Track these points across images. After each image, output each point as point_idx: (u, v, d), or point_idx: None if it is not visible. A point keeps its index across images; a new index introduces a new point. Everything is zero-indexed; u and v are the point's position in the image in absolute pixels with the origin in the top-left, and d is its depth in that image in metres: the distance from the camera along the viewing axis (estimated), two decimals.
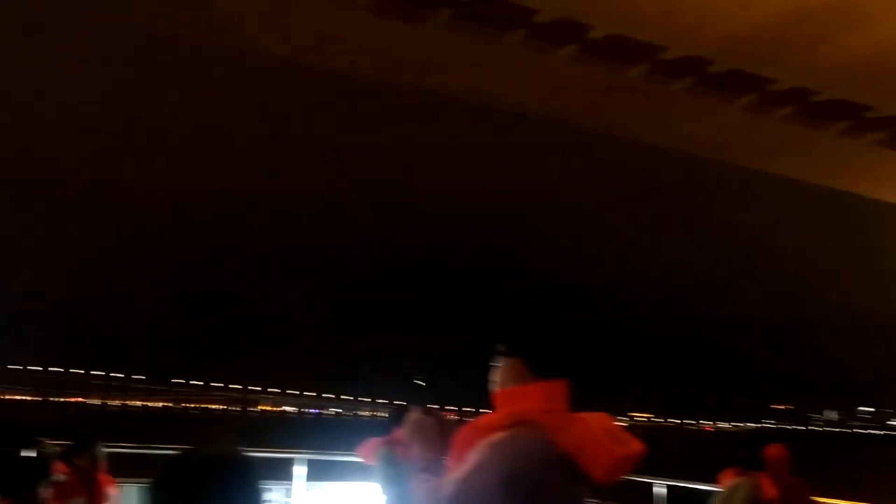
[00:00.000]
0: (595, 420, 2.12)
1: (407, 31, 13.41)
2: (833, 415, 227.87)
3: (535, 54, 14.03)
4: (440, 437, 2.38)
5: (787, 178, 23.14)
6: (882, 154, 19.15)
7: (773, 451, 4.94)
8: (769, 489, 4.79)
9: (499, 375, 2.24)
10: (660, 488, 9.74)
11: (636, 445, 2.13)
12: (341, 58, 13.21)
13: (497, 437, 2.05)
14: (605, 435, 2.07)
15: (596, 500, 10.28)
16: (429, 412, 2.93)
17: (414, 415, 2.72)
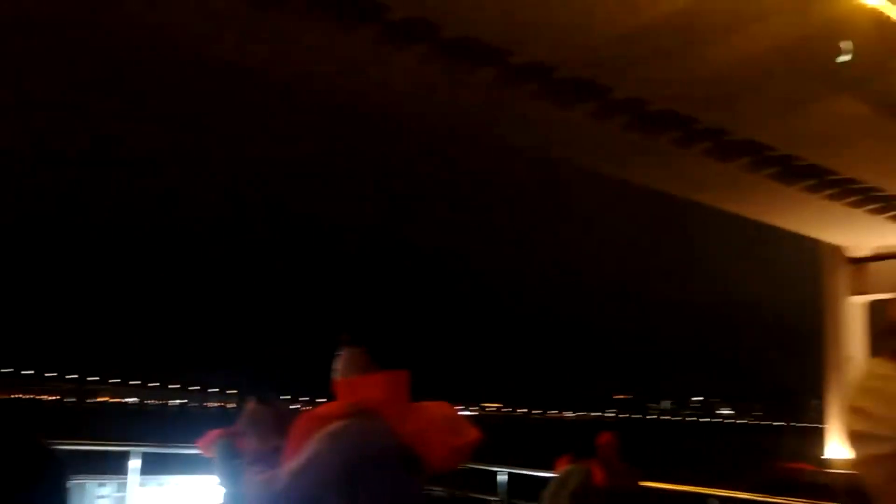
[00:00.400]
0: (434, 409, 2.14)
1: (261, 18, 13.31)
2: (668, 404, 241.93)
3: (386, 50, 14.28)
4: (277, 428, 2.33)
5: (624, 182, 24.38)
6: (707, 163, 20.73)
7: (604, 438, 5.22)
8: (599, 475, 5.04)
9: (341, 365, 2.22)
10: (502, 476, 10.13)
11: (473, 433, 2.14)
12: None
13: (335, 426, 2.02)
14: (443, 424, 2.10)
15: (441, 488, 10.60)
16: (265, 402, 2.97)
17: (249, 405, 2.74)
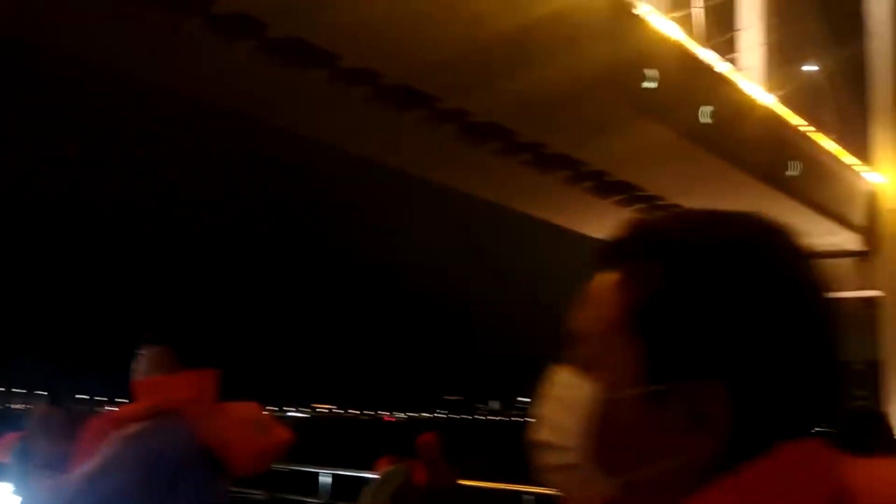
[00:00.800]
0: (240, 410, 2.07)
1: (81, 6, 12.74)
2: (496, 405, 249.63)
3: (212, 44, 14.06)
4: (68, 431, 2.22)
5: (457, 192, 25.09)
6: (527, 174, 21.77)
7: (424, 438, 5.35)
8: (419, 474, 5.18)
9: (143, 364, 2.10)
10: (325, 477, 10.16)
11: (282, 435, 2.09)
12: None
13: (132, 429, 1.94)
14: (249, 425, 2.03)
15: (261, 491, 10.53)
16: (56, 403, 2.87)
17: (39, 408, 2.63)
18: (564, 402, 0.71)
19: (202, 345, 2.09)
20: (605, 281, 0.74)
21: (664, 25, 19.92)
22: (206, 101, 19.44)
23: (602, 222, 27.87)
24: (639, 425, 0.67)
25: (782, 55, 28.54)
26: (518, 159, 21.67)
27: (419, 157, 22.23)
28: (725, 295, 0.66)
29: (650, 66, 18.93)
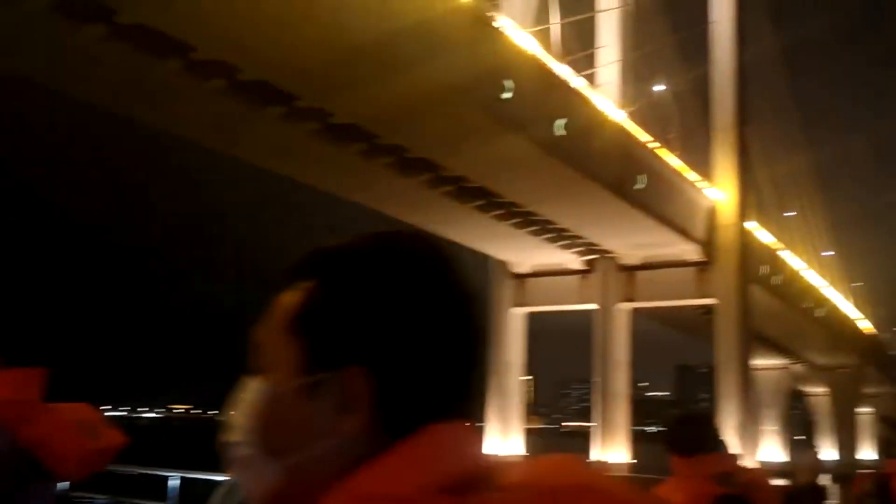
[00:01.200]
0: (68, 412, 1.96)
1: None
2: None
3: (58, 28, 13.44)
4: None
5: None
6: (390, 177, 21.91)
7: None
8: None
9: None
10: (174, 481, 9.87)
11: (114, 438, 1.99)
12: None
13: None
14: (77, 427, 1.92)
15: (105, 496, 10.09)
16: None
17: None
18: (244, 403, 0.80)
19: (28, 343, 1.98)
20: (282, 298, 0.83)
21: (523, 39, 20.60)
22: (53, 87, 18.51)
23: (462, 226, 28.48)
24: (298, 414, 0.76)
25: (636, 74, 30.15)
26: (380, 162, 21.83)
27: (277, 154, 21.97)
28: (366, 296, 0.78)
29: (508, 78, 19.54)
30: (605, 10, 29.13)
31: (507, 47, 19.84)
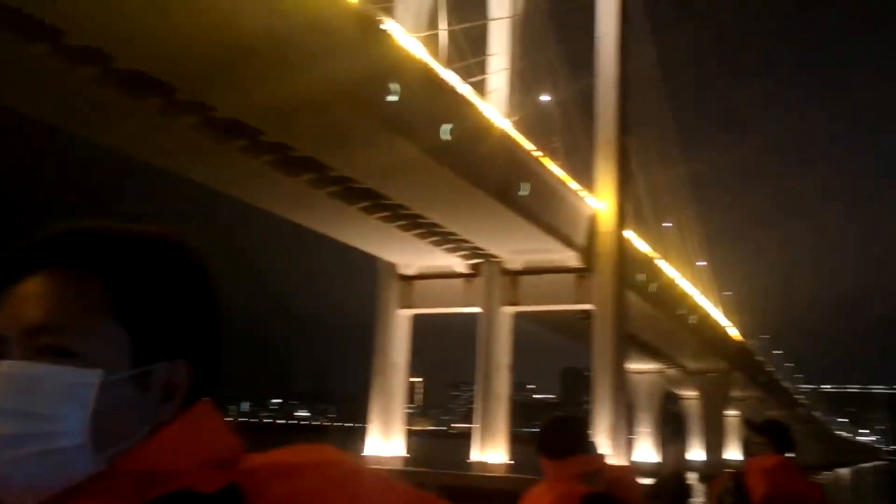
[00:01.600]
0: None
1: None
2: (247, 406, 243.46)
3: None
4: None
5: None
6: (273, 175, 21.61)
7: None
8: None
9: None
10: None
11: None
12: None
13: None
14: None
15: None
16: None
17: None
18: (37, 390, 0.74)
19: None
20: (69, 277, 0.80)
21: (410, 43, 20.78)
22: None
23: (348, 227, 28.44)
24: (127, 404, 0.77)
25: (523, 83, 30.87)
26: (263, 159, 21.54)
27: (154, 146, 21.32)
28: (182, 289, 0.83)
29: (395, 81, 19.66)
30: (494, 19, 29.75)
31: (394, 50, 19.98)
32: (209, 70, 16.96)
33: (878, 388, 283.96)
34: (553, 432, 2.45)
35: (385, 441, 32.90)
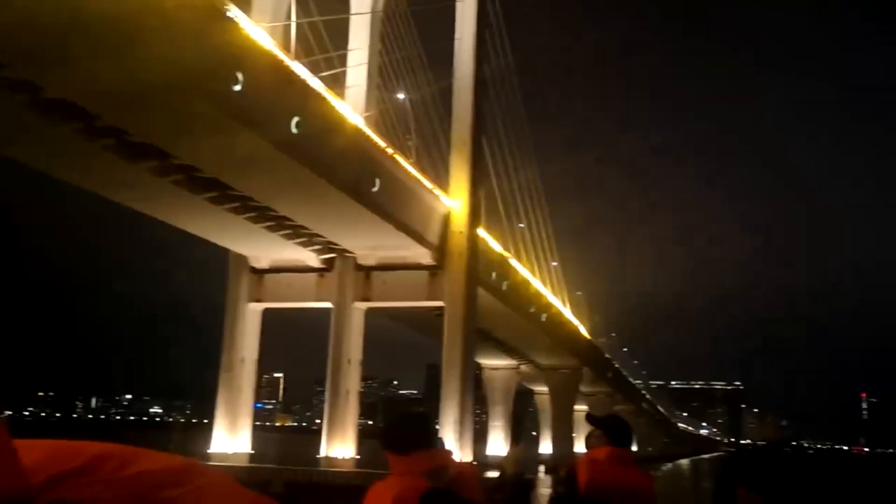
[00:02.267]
0: None
1: None
2: (97, 402, 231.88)
3: None
4: None
5: None
6: (112, 160, 20.73)
7: None
8: None
9: None
10: None
11: None
12: None
13: None
14: None
15: None
16: None
17: None
18: None
19: None
20: None
21: (258, 33, 20.41)
22: None
23: (194, 217, 27.62)
24: None
25: (382, 81, 30.99)
26: (100, 143, 20.59)
27: None
28: None
29: (240, 71, 19.29)
30: (354, 14, 29.70)
31: (240, 39, 19.58)
32: (36, 46, 16.09)
33: (719, 385, 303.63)
34: (398, 428, 2.47)
35: (231, 437, 32.19)
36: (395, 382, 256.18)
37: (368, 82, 29.47)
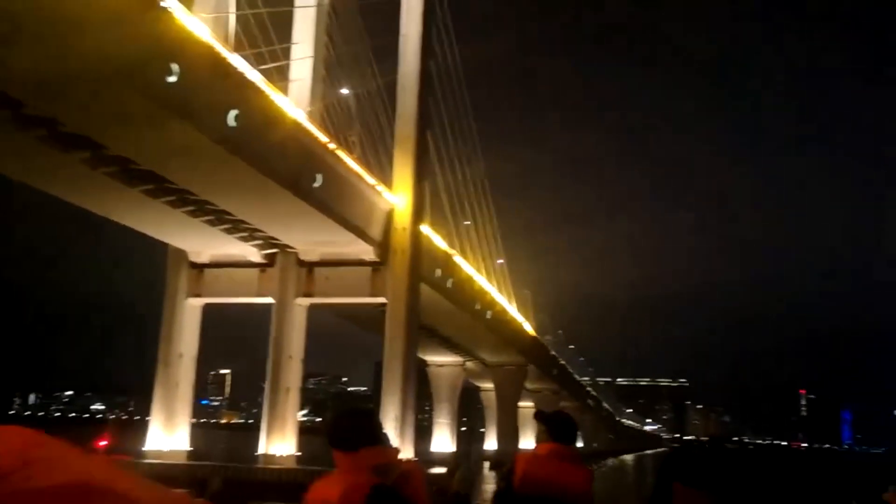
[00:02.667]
0: None
1: None
2: (35, 398, 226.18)
3: None
4: None
5: None
6: (43, 151, 20.14)
7: None
8: None
9: None
10: None
11: None
12: None
13: None
14: None
15: None
16: None
17: None
18: None
19: None
20: None
21: (194, 24, 20.05)
22: None
23: (129, 210, 27.05)
24: None
25: (326, 74, 30.73)
26: (30, 134, 20.05)
27: None
28: None
29: (175, 62, 18.94)
30: (298, 7, 29.41)
31: (175, 30, 19.21)
32: None
33: (664, 381, 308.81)
34: (344, 424, 2.45)
35: (168, 434, 31.64)
36: (345, 379, 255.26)
37: (313, 76, 29.22)
